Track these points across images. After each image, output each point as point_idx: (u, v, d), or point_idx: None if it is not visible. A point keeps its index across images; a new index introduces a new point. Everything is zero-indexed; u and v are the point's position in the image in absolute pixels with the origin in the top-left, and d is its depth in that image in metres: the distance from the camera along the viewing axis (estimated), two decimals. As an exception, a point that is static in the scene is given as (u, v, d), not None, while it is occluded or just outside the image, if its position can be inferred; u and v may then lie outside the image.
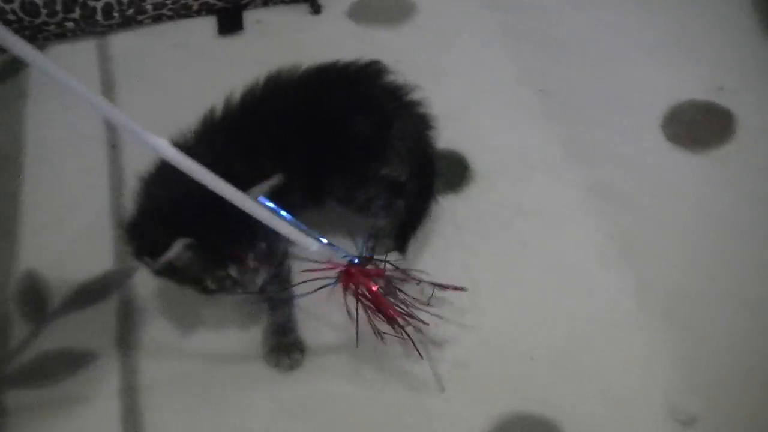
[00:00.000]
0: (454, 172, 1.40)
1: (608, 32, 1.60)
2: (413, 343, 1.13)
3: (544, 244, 1.31)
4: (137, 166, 1.46)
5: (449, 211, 1.35)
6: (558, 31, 1.61)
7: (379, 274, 1.13)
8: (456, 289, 1.17)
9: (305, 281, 1.10)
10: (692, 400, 1.14)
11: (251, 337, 1.23)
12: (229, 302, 1.25)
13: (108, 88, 1.59)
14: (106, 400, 1.18)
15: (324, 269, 1.11)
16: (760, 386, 1.15)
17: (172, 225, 1.05)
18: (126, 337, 1.24)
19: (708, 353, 1.19)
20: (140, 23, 1.68)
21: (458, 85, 1.53)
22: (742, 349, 1.18)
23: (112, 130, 1.52)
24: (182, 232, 1.03)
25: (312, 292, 1.10)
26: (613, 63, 1.54)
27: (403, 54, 1.59)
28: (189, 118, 1.55)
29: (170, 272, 1.09)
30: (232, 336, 1.24)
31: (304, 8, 1.69)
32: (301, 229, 1.06)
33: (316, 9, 1.68)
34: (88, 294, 1.30)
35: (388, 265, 1.14)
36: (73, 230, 1.38)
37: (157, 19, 1.68)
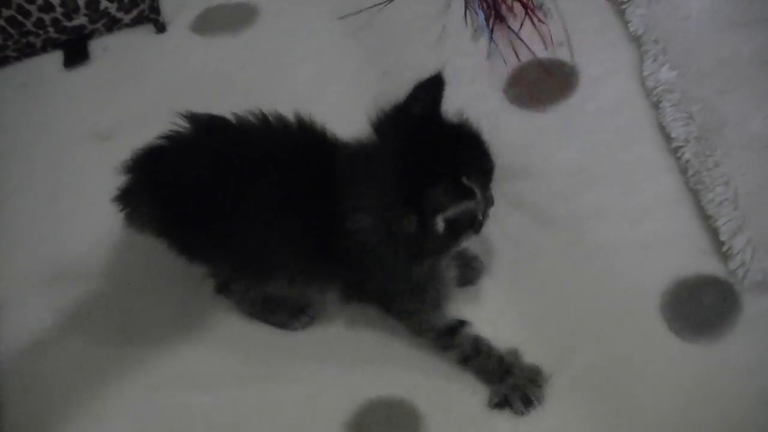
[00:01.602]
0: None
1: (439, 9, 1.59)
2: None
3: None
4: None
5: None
6: (394, 15, 1.60)
7: None
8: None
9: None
10: (544, 360, 1.13)
11: (110, 346, 1.25)
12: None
13: (-43, 138, 1.58)
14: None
15: None
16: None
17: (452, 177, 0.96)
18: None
19: (556, 310, 1.18)
20: (-14, 68, 1.66)
21: (304, 80, 1.52)
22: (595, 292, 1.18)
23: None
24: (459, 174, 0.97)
25: None
26: (449, 38, 1.53)
27: (248, 59, 1.59)
28: (43, 156, 1.54)
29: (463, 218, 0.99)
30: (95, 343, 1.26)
31: (148, 28, 1.68)
32: None
33: (159, 28, 1.67)
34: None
35: None
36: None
37: (2, 61, 1.66)
